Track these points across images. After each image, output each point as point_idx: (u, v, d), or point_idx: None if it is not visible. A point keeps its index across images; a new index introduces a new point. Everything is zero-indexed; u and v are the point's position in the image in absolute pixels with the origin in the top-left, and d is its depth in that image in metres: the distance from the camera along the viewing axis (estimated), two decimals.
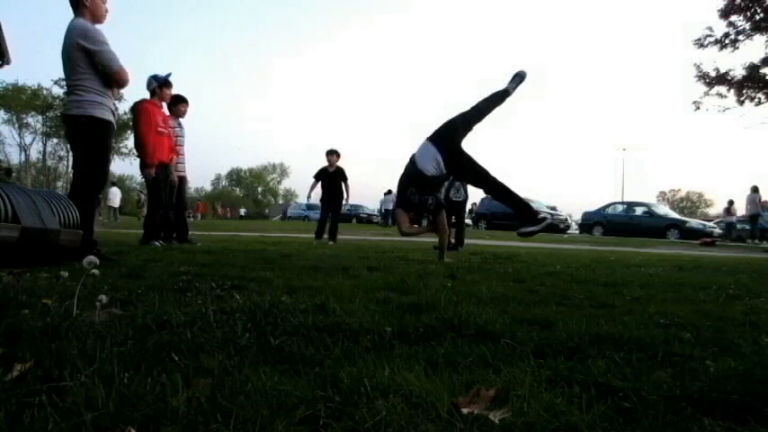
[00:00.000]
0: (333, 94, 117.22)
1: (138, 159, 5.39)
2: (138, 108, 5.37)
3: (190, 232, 6.24)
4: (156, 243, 5.27)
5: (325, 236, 8.19)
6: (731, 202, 18.61)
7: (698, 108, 15.62)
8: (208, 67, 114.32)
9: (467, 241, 10.32)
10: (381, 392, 1.05)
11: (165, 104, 5.65)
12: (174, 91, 5.74)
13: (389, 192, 25.23)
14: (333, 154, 8.22)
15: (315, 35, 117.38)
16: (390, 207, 24.44)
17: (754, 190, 16.02)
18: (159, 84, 5.43)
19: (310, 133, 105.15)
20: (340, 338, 1.49)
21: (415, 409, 0.98)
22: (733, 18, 14.27)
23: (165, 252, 4.40)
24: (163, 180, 5.41)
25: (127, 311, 1.79)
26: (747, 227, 16.79)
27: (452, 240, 7.47)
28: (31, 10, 74.33)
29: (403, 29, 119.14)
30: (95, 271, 1.80)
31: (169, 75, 5.56)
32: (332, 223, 8.37)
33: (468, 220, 27.84)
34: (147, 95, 5.47)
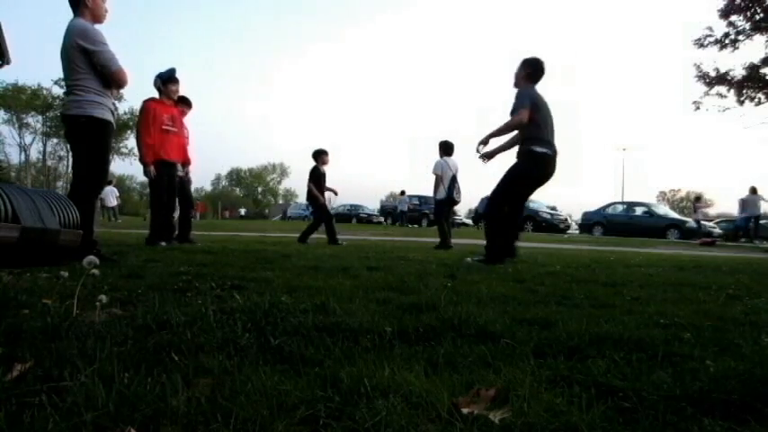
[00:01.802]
0: (333, 93, 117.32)
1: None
2: (141, 107, 5.33)
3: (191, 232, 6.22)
4: (162, 243, 5.20)
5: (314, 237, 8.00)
6: (698, 198, 18.52)
7: (698, 108, 15.65)
8: (208, 66, 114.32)
9: (467, 241, 10.35)
10: (381, 392, 1.05)
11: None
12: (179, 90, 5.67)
13: (403, 192, 25.10)
14: (327, 153, 8.03)
15: (315, 35, 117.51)
16: (405, 208, 24.22)
17: (753, 191, 16.00)
18: (162, 80, 5.34)
19: (310, 133, 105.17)
20: (340, 338, 1.49)
21: (415, 409, 0.98)
22: (733, 18, 14.28)
23: (165, 252, 4.40)
24: (167, 180, 5.30)
25: (127, 311, 1.79)
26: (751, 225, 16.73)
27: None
28: (31, 10, 74.40)
29: (404, 29, 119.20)
30: (95, 271, 1.80)
31: (172, 70, 5.42)
32: (330, 225, 7.93)
33: (467, 220, 27.95)
34: (155, 94, 5.42)
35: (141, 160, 5.24)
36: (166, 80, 5.36)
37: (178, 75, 5.49)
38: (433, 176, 7.66)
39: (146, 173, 5.24)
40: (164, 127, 5.26)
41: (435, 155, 7.73)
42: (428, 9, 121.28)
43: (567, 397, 1.06)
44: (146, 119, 5.22)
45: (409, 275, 3.13)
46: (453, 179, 7.61)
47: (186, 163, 5.80)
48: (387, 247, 6.72)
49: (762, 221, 16.69)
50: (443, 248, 7.12)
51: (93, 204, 3.66)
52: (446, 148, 7.65)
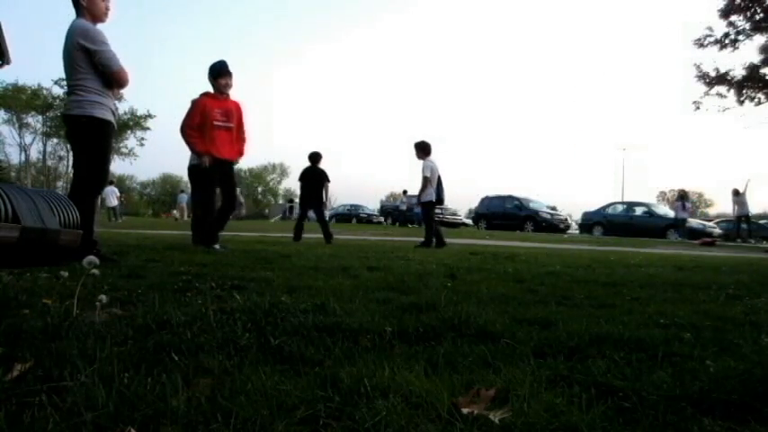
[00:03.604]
0: (333, 94, 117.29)
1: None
2: (192, 101, 5.09)
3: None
4: (217, 246, 4.86)
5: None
6: (682, 197, 18.39)
7: (698, 108, 15.63)
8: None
9: (467, 241, 10.35)
10: (381, 392, 1.05)
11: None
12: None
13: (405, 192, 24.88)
14: None
15: (315, 36, 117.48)
16: (417, 209, 23.91)
17: (736, 193, 16.02)
18: (212, 75, 5.02)
19: (311, 134, 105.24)
20: (340, 338, 1.49)
21: (415, 409, 0.98)
22: (733, 18, 14.28)
23: (165, 252, 4.40)
24: (218, 177, 4.99)
25: (127, 311, 1.79)
26: (745, 226, 16.75)
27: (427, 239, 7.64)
28: (31, 10, 74.35)
29: (405, 30, 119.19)
30: (95, 271, 1.80)
31: (220, 63, 5.05)
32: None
33: (467, 220, 27.95)
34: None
35: (193, 151, 4.98)
36: (216, 74, 5.03)
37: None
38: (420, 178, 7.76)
39: (200, 163, 4.91)
40: (215, 122, 4.93)
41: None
42: (429, 10, 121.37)
43: (567, 397, 1.06)
44: (191, 112, 4.93)
45: (409, 275, 3.13)
46: (439, 180, 7.73)
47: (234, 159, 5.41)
48: (387, 247, 6.72)
49: (762, 221, 16.65)
50: (427, 246, 7.29)
51: (94, 204, 3.66)
52: (427, 149, 7.71)
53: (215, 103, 5.02)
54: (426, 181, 7.60)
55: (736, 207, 16.28)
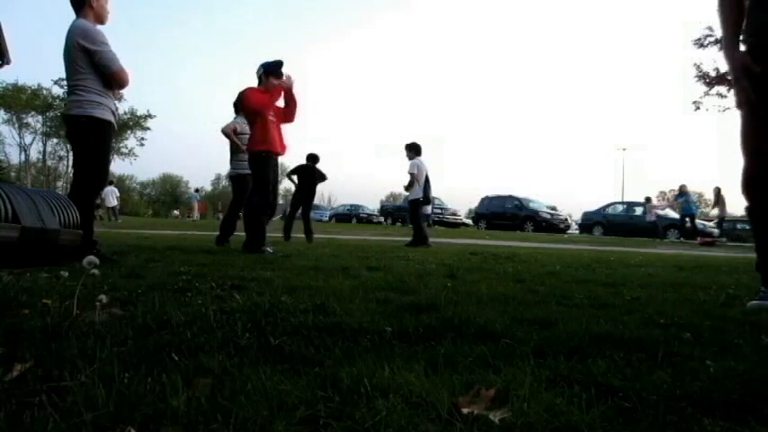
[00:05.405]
0: (333, 94, 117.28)
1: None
2: (241, 93, 5.03)
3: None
4: (269, 249, 4.70)
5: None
6: (648, 199, 18.43)
7: (698, 108, 15.67)
8: (209, 68, 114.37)
9: (467, 241, 10.35)
10: (381, 392, 1.05)
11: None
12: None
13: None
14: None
15: (315, 36, 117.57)
16: (429, 210, 23.76)
17: (717, 192, 16.04)
18: (265, 71, 4.91)
19: (310, 134, 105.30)
20: (340, 338, 1.49)
21: (415, 409, 0.98)
22: None
23: (165, 252, 4.40)
24: (269, 172, 4.88)
25: (127, 311, 1.79)
26: (747, 226, 16.76)
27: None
28: (31, 10, 74.34)
29: (405, 30, 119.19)
30: (95, 271, 1.80)
31: (276, 63, 4.92)
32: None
33: (467, 220, 27.95)
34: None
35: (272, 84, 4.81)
36: (270, 72, 4.91)
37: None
38: (408, 176, 7.81)
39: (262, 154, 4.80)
40: (270, 118, 4.86)
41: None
42: (429, 10, 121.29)
43: (567, 397, 1.06)
44: (252, 96, 4.82)
45: (409, 275, 3.13)
46: (427, 179, 7.80)
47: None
48: (387, 247, 6.73)
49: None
50: (416, 246, 7.38)
51: (93, 204, 3.66)
52: (417, 149, 7.81)
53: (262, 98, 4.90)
54: (413, 177, 7.67)
55: (718, 207, 16.32)
